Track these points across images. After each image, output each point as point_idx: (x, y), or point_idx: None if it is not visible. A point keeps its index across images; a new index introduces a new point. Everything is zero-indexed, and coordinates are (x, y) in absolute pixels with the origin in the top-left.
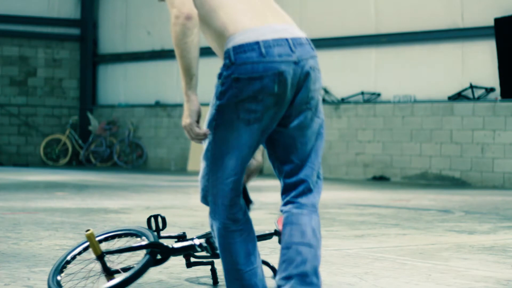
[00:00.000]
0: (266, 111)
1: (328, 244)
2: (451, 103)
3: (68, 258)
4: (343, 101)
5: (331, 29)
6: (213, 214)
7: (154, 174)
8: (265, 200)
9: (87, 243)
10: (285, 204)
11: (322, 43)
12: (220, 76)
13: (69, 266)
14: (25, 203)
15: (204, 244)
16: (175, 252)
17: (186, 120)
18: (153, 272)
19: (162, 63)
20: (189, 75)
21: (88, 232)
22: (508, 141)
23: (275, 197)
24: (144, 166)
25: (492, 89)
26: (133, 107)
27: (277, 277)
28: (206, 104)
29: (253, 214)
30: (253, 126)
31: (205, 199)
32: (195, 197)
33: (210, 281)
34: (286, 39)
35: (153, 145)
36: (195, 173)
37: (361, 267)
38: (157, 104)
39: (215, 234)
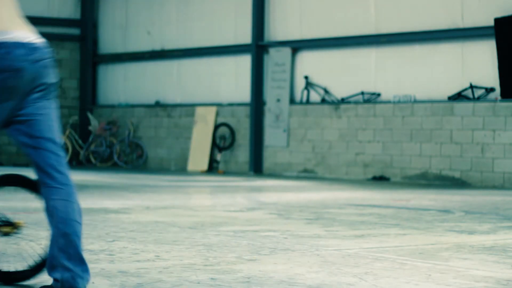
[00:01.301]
0: (10, 99)
1: (328, 244)
2: (451, 103)
3: None
4: (343, 101)
5: (331, 29)
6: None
7: (154, 174)
8: (265, 200)
9: None
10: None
11: (322, 43)
12: None
13: None
14: (25, 203)
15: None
16: None
17: None
18: (154, 272)
19: (162, 63)
20: None
21: None
22: (508, 141)
23: (275, 197)
24: (144, 166)
25: (492, 89)
26: (133, 107)
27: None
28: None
29: (253, 214)
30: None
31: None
32: (195, 197)
33: (211, 281)
34: (24, 43)
35: (153, 145)
36: (195, 173)
37: (361, 267)
38: (157, 104)
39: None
